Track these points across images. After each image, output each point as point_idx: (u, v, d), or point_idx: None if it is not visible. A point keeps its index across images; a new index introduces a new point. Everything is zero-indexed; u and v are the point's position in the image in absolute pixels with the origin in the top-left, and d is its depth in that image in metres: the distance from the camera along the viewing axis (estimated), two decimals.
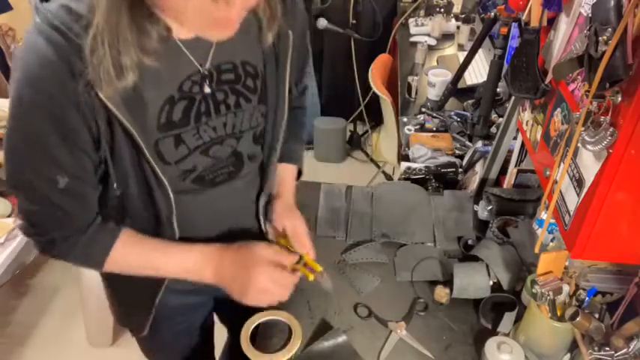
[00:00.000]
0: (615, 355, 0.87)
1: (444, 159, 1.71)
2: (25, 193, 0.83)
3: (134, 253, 0.93)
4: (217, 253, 0.95)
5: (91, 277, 1.86)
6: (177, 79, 0.82)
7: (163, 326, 1.15)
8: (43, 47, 0.70)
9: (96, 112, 0.75)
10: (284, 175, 1.15)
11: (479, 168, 1.58)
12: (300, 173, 1.21)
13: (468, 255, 1.26)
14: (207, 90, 0.85)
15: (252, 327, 1.03)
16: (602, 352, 0.89)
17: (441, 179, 1.62)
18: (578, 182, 0.84)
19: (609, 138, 0.74)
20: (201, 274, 0.94)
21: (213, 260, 0.94)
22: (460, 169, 1.65)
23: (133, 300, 1.11)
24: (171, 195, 0.89)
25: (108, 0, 0.66)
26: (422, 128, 1.93)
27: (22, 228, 0.88)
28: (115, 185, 0.85)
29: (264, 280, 0.91)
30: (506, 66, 1.51)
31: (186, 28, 0.78)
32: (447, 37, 2.72)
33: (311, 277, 1.01)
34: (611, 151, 0.75)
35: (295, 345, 1.00)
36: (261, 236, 1.13)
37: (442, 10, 2.80)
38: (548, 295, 0.94)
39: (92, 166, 0.82)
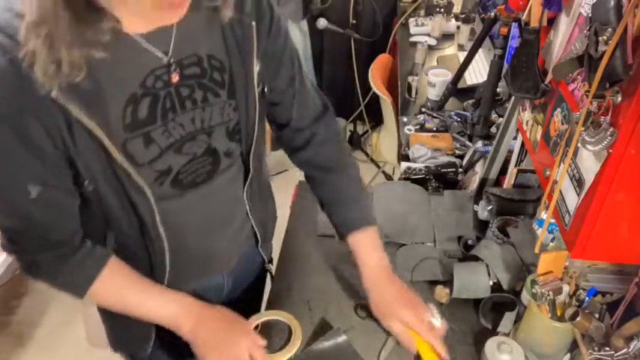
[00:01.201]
0: (615, 355, 0.87)
1: (444, 159, 1.71)
2: (2, 211, 0.80)
3: (117, 290, 0.91)
4: (197, 312, 0.94)
5: None
6: (140, 75, 0.78)
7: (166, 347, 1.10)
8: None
9: (55, 116, 0.72)
10: (359, 247, 1.06)
11: (479, 168, 1.58)
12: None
13: (468, 255, 1.26)
14: (175, 79, 0.82)
15: (252, 327, 1.03)
16: (602, 352, 0.89)
17: (441, 179, 1.62)
18: (578, 182, 0.84)
19: (609, 138, 0.74)
20: (180, 324, 0.93)
21: (195, 315, 0.93)
22: (460, 169, 1.65)
23: (130, 324, 1.01)
24: (152, 200, 0.86)
25: None
26: (422, 128, 1.93)
27: (4, 246, 0.85)
28: (88, 189, 0.82)
29: (244, 352, 0.91)
30: (506, 66, 1.51)
31: (134, 16, 0.73)
32: (447, 37, 2.71)
33: None
34: (611, 151, 0.75)
35: (295, 345, 1.00)
36: (253, 232, 1.11)
37: (442, 10, 2.80)
38: (548, 295, 0.94)
39: (62, 171, 0.79)
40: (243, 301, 1.18)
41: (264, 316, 1.06)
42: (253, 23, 0.87)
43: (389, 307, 1.03)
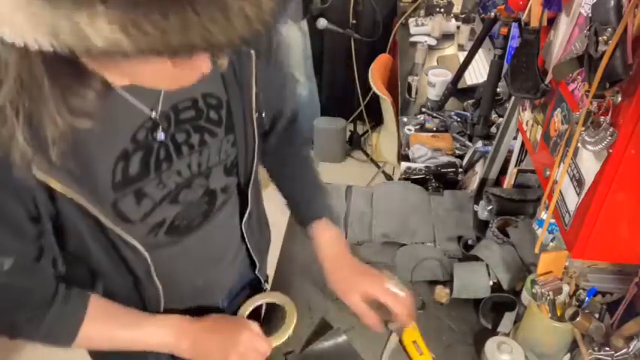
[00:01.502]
0: (615, 355, 0.87)
1: (444, 159, 1.71)
2: None
3: (105, 329, 0.85)
4: (194, 325, 0.90)
5: None
6: (129, 130, 0.72)
7: None
8: None
9: (33, 190, 0.65)
10: (319, 236, 1.03)
11: (479, 168, 1.58)
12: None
13: (468, 255, 1.27)
14: (160, 137, 0.76)
15: (249, 310, 1.02)
16: (602, 352, 0.89)
17: (441, 179, 1.62)
18: (578, 182, 0.84)
19: (609, 138, 0.74)
20: (177, 348, 0.89)
21: (190, 332, 0.89)
22: (460, 169, 1.65)
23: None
24: (146, 254, 0.81)
25: (17, 64, 0.52)
26: (422, 128, 1.93)
27: None
28: (74, 248, 0.77)
29: (248, 346, 0.89)
30: (506, 66, 1.51)
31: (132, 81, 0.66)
32: (447, 37, 2.71)
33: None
34: (611, 151, 0.75)
35: (288, 329, 0.98)
36: (251, 261, 1.09)
37: (442, 10, 2.80)
38: (548, 295, 0.94)
39: (41, 240, 0.73)
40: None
41: (260, 298, 1.05)
42: (252, 52, 0.82)
43: (347, 282, 0.99)
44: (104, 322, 0.84)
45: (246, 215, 1.00)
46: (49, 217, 0.71)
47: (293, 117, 1.07)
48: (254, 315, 1.03)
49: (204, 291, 1.00)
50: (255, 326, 0.94)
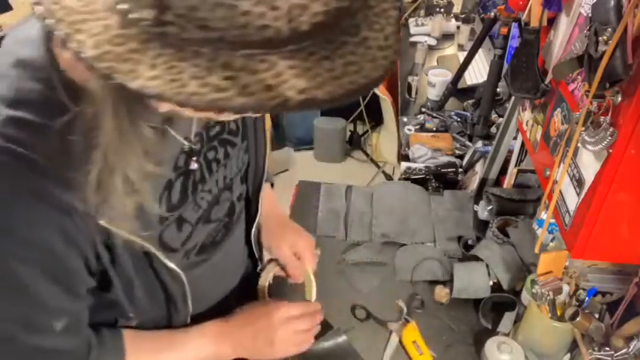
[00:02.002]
0: (615, 355, 0.87)
1: (444, 159, 1.71)
2: (8, 355, 0.66)
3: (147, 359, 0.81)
4: (226, 326, 0.88)
5: None
6: (172, 160, 0.71)
7: None
8: (7, 186, 0.54)
9: (94, 238, 0.62)
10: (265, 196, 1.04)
11: (479, 168, 1.58)
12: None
13: (468, 255, 1.27)
14: (193, 166, 0.74)
15: (269, 280, 1.03)
16: (602, 352, 0.89)
17: (441, 179, 1.62)
18: (578, 182, 0.84)
19: (609, 138, 0.74)
20: (222, 353, 0.87)
21: (226, 335, 0.87)
22: (460, 169, 1.65)
23: None
24: (183, 276, 0.78)
25: (111, 107, 0.49)
26: (422, 128, 1.93)
27: None
28: (121, 297, 0.72)
29: (284, 321, 0.89)
30: (506, 66, 1.51)
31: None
32: (447, 37, 2.71)
33: None
34: (611, 151, 0.75)
35: (311, 288, 1.00)
36: (254, 273, 1.07)
37: (442, 10, 2.79)
38: (548, 295, 0.94)
39: (87, 290, 0.68)
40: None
41: (270, 270, 1.04)
42: None
43: (277, 235, 1.04)
44: (144, 355, 0.81)
45: (255, 222, 0.99)
46: (108, 261, 0.67)
47: None
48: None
49: (221, 303, 0.99)
50: (280, 302, 0.93)
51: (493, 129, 1.80)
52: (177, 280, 0.77)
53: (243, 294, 1.08)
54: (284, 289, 1.08)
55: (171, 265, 0.74)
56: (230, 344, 0.87)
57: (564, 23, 0.97)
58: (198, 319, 0.89)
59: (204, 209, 0.80)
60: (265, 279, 1.03)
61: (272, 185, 1.14)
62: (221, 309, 0.96)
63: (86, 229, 0.59)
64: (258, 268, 1.11)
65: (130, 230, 0.63)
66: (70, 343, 0.69)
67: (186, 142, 0.72)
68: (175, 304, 0.81)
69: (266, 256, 1.11)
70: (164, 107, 0.54)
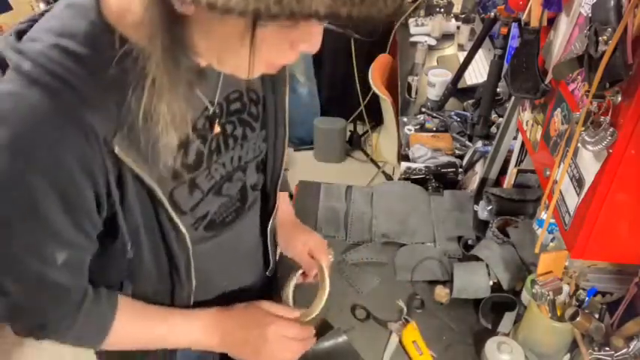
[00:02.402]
0: (615, 355, 0.87)
1: (444, 159, 1.71)
2: (9, 275, 0.68)
3: (136, 328, 0.83)
4: (221, 319, 0.89)
5: None
6: (192, 118, 0.72)
7: None
8: (38, 101, 0.56)
9: (107, 170, 0.63)
10: (282, 203, 1.09)
11: (479, 168, 1.58)
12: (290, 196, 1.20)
13: (468, 255, 1.27)
14: (216, 130, 0.77)
15: (292, 289, 1.05)
16: (602, 352, 0.89)
17: (441, 179, 1.62)
18: (578, 182, 0.84)
19: (609, 138, 0.74)
20: (208, 343, 0.88)
21: (218, 328, 0.88)
22: (460, 169, 1.65)
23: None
24: (190, 245, 0.79)
25: (160, 42, 0.53)
26: (422, 128, 1.93)
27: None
28: (128, 247, 0.73)
29: (277, 337, 0.89)
30: (506, 66, 1.51)
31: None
32: (447, 37, 2.71)
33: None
34: (611, 151, 0.75)
35: (318, 305, 1.00)
36: (265, 268, 1.09)
37: (442, 10, 2.79)
38: (548, 295, 0.94)
39: (94, 231, 0.70)
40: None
41: (293, 279, 1.07)
42: None
43: (291, 235, 1.09)
44: (135, 322, 0.83)
45: (272, 216, 1.01)
46: (117, 200, 0.67)
47: None
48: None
49: (226, 292, 1.00)
50: (287, 312, 0.94)
51: (493, 129, 1.80)
52: (182, 244, 0.79)
53: (252, 292, 1.09)
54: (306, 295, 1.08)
55: (177, 221, 0.75)
56: (219, 339, 0.89)
57: (564, 23, 0.97)
58: (201, 306, 0.91)
59: (217, 181, 0.82)
60: (289, 286, 1.06)
61: (290, 196, 1.18)
62: (226, 301, 0.96)
63: (102, 159, 0.62)
64: (270, 268, 1.11)
65: (145, 169, 0.65)
66: (68, 280, 0.71)
67: (210, 105, 0.75)
68: (179, 275, 0.82)
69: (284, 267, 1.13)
70: (203, 62, 0.63)
